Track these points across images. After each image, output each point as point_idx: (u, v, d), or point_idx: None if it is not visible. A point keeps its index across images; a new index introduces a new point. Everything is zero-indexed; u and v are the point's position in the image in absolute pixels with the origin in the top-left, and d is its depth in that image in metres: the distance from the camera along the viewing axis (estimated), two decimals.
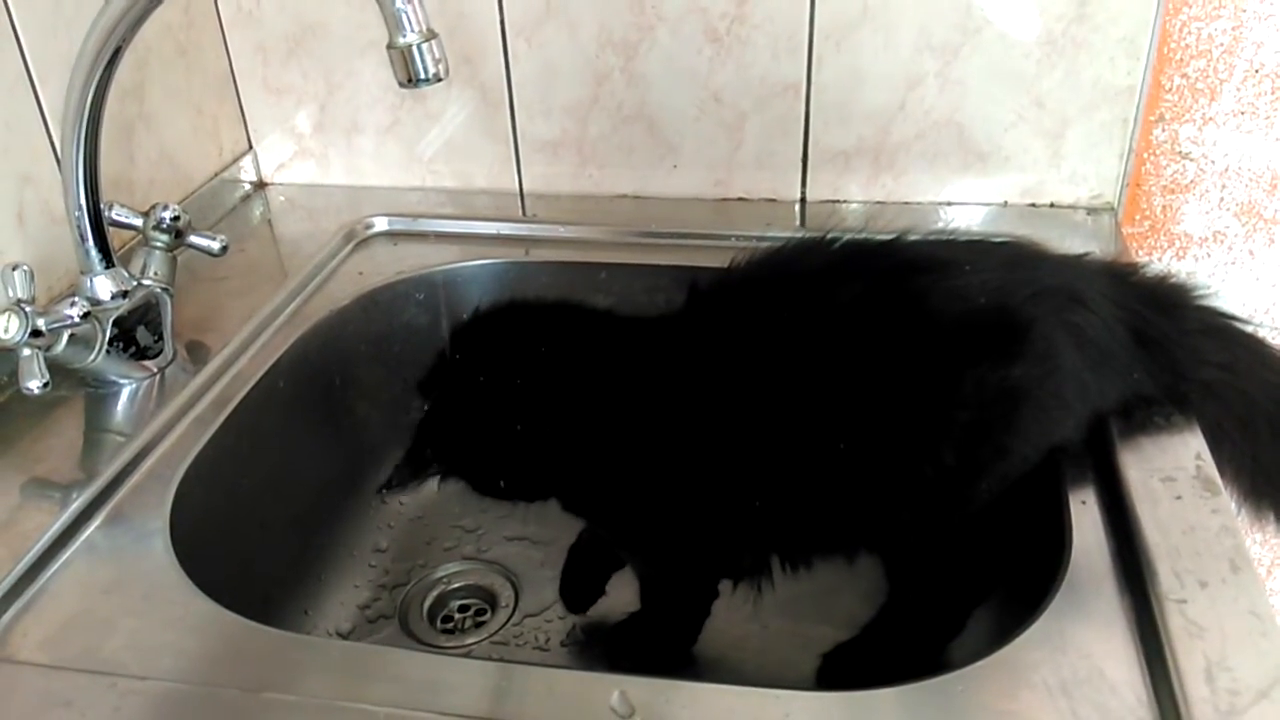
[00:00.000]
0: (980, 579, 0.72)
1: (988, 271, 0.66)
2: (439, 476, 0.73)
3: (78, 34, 0.73)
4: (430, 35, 0.65)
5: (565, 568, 0.86)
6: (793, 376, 0.64)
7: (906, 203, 1.05)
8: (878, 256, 0.68)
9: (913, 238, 0.70)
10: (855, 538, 0.70)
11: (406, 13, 0.64)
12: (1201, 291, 0.73)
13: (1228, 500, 0.64)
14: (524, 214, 1.09)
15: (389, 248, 1.05)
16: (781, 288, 0.68)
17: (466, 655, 0.86)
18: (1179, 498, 0.65)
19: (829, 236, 0.69)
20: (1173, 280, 0.74)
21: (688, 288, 0.71)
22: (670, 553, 0.74)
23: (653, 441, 0.67)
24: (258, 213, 1.12)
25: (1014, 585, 0.69)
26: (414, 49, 0.64)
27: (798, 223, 1.05)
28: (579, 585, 0.86)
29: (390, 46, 0.65)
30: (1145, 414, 0.71)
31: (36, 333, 0.73)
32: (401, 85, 0.66)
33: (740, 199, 1.08)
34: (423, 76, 0.65)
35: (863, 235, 0.70)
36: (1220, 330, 0.72)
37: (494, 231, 1.06)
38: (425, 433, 0.72)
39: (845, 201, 1.06)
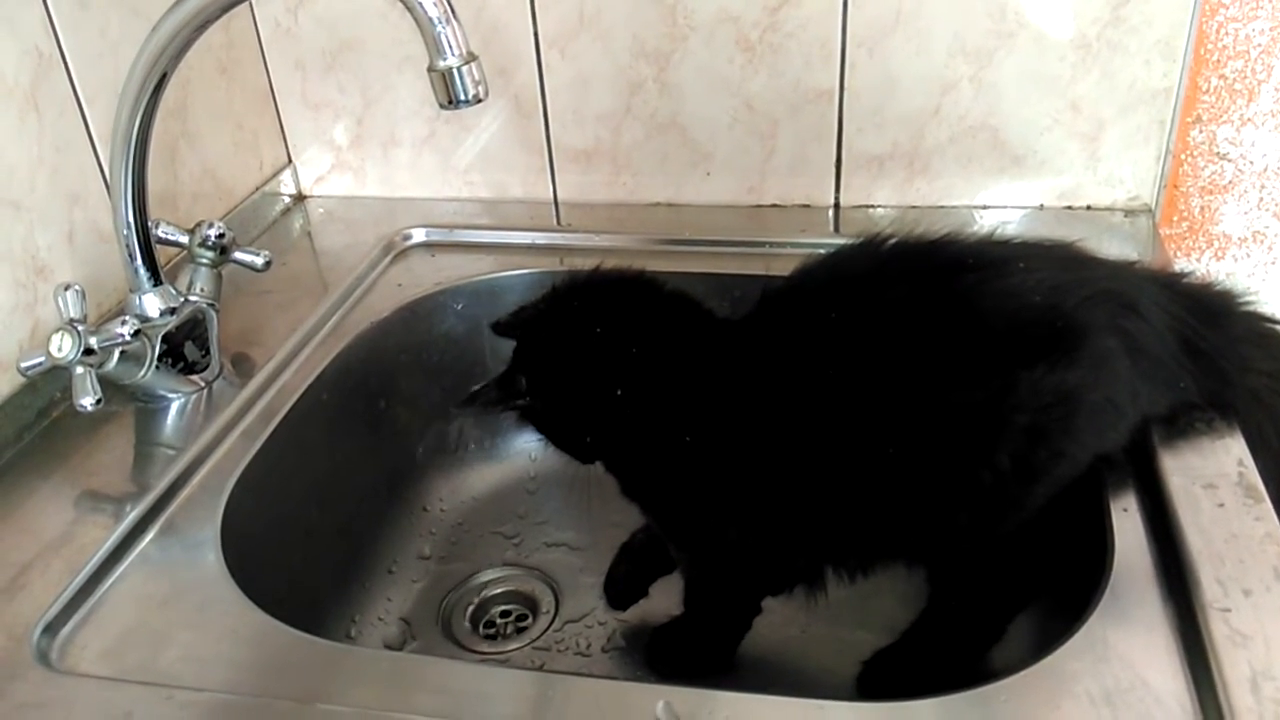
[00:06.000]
0: (1022, 586, 0.72)
1: (1041, 271, 0.65)
2: (519, 411, 0.73)
3: (123, 58, 0.75)
4: (470, 58, 0.66)
5: (613, 564, 0.87)
6: (848, 380, 0.64)
7: (941, 206, 1.05)
8: (925, 256, 0.68)
9: (962, 236, 0.70)
10: (911, 544, 0.70)
11: (447, 35, 0.65)
12: (1247, 298, 0.73)
13: (1270, 507, 0.64)
14: (559, 223, 1.10)
15: (427, 259, 1.07)
16: (835, 292, 0.68)
17: (508, 661, 0.87)
18: (1221, 505, 0.64)
19: (881, 237, 0.69)
20: (1219, 288, 0.74)
21: (760, 293, 0.72)
22: (722, 554, 0.74)
23: (717, 440, 0.68)
24: (298, 225, 1.14)
25: (1056, 592, 0.69)
26: (454, 71, 0.65)
27: (832, 228, 1.05)
28: (624, 583, 0.87)
29: (431, 69, 0.66)
30: (1188, 420, 0.70)
31: (89, 351, 0.75)
32: (442, 107, 0.67)
33: (774, 205, 1.09)
34: (463, 98, 0.66)
35: (915, 235, 0.70)
36: (1267, 337, 0.72)
37: (529, 241, 1.07)
38: (523, 364, 0.73)
39: (880, 206, 1.06)
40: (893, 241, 0.69)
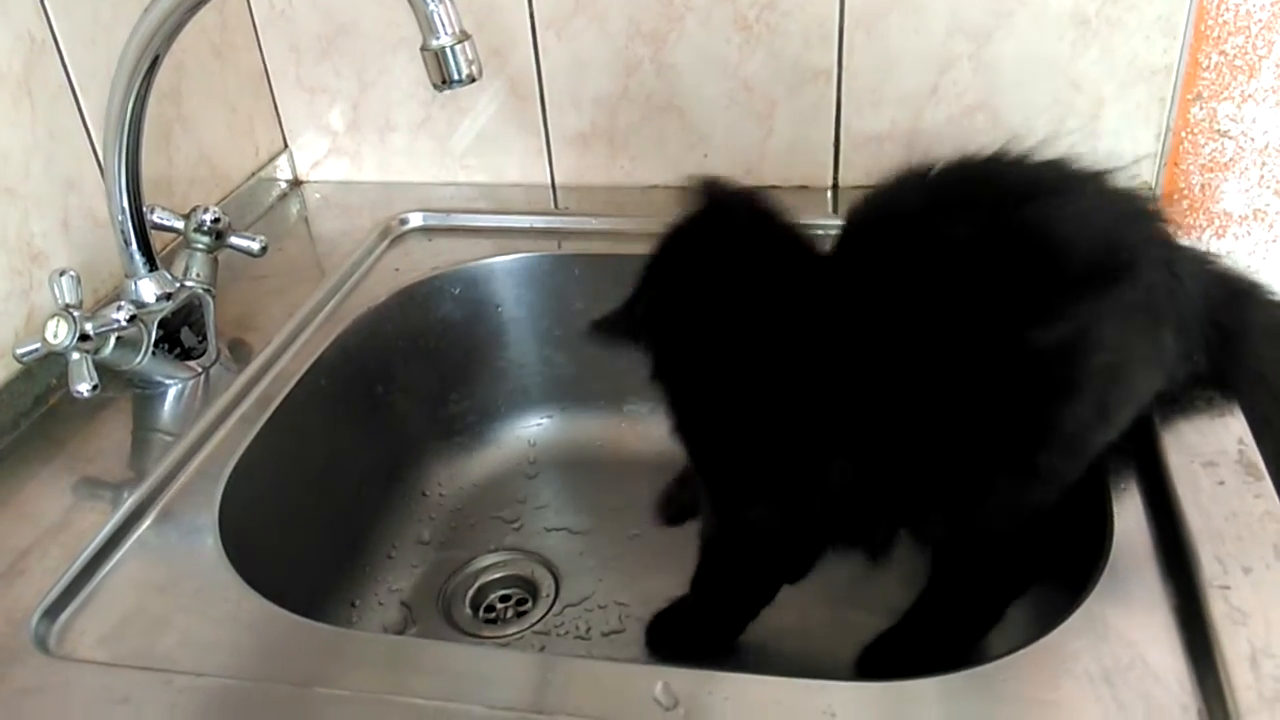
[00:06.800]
0: (1024, 567, 0.71)
1: (1101, 196, 0.64)
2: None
3: (116, 42, 0.75)
4: (463, 37, 0.65)
5: (667, 485, 0.86)
6: (927, 327, 0.61)
7: None
8: (985, 183, 0.65)
9: (1011, 158, 0.66)
10: (973, 502, 0.66)
11: (439, 14, 0.64)
12: (1271, 292, 0.72)
13: (1270, 485, 0.64)
14: (556, 206, 1.10)
15: (424, 243, 1.06)
16: (890, 235, 0.65)
17: (509, 645, 0.87)
18: (1221, 482, 0.64)
19: (921, 169, 0.66)
20: (1245, 275, 0.72)
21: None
22: (766, 512, 0.70)
23: (774, 394, 0.65)
24: (294, 210, 1.14)
25: (1055, 572, 0.69)
26: (447, 51, 0.65)
27: (830, 209, 1.05)
28: (677, 502, 0.86)
29: (424, 49, 0.66)
30: (1188, 397, 0.70)
31: (85, 337, 0.75)
32: (436, 87, 0.66)
33: (772, 186, 1.08)
34: (456, 78, 0.65)
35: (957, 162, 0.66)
36: None
37: (527, 225, 1.07)
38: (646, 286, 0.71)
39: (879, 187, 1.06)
40: (939, 170, 0.66)
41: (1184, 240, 0.74)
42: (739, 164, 1.07)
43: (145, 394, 0.84)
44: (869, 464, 0.64)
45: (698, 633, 0.80)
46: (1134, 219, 0.64)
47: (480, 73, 0.67)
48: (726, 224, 0.70)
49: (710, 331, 0.67)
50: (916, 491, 0.65)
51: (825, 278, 0.66)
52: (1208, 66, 0.96)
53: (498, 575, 0.94)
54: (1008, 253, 0.60)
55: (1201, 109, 0.98)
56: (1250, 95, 0.97)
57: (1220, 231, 1.04)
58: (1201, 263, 0.70)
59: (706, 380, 0.68)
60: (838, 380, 0.63)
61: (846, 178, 1.06)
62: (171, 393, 0.84)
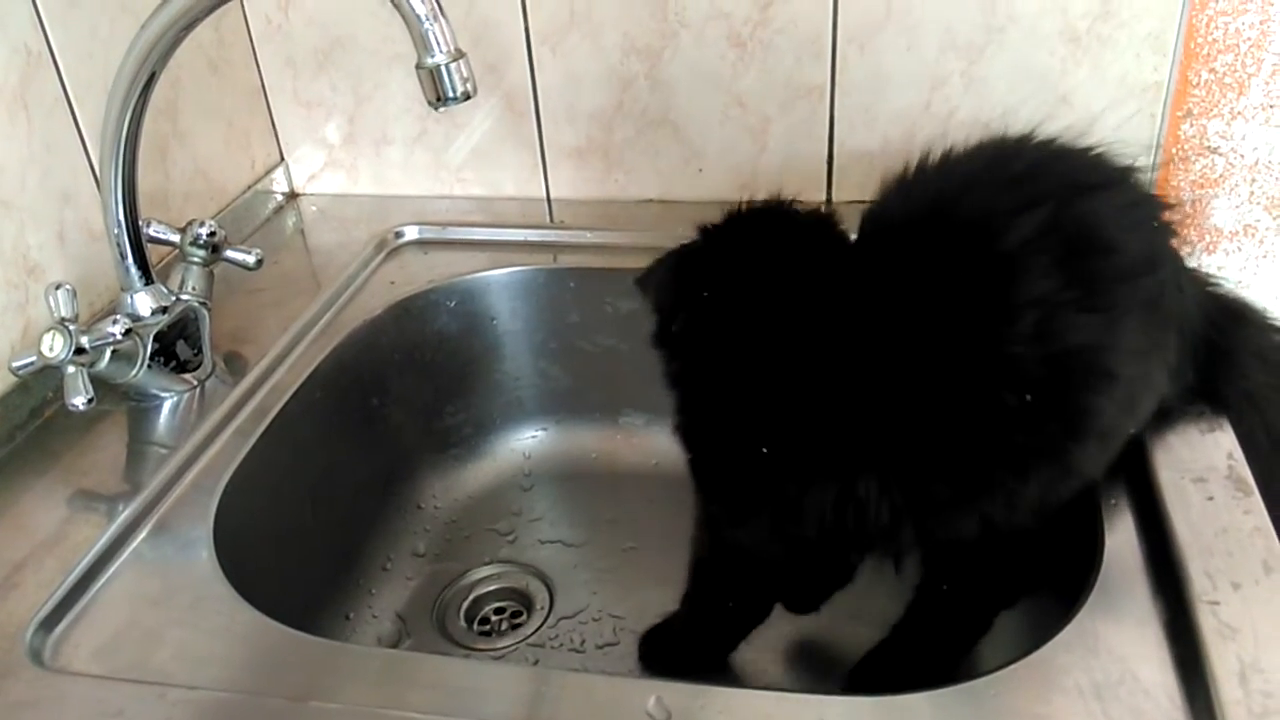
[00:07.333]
0: (1012, 577, 0.72)
1: (1136, 191, 0.65)
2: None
3: (113, 56, 0.75)
4: (458, 55, 0.66)
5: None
6: (948, 325, 0.60)
7: None
8: (1022, 178, 0.63)
9: (1044, 147, 0.66)
10: (1006, 501, 0.63)
11: (434, 33, 0.65)
12: (1266, 318, 0.72)
13: (1259, 500, 0.64)
14: (551, 220, 1.10)
15: (419, 256, 1.07)
16: (934, 236, 0.63)
17: (503, 658, 0.87)
18: (1211, 498, 0.65)
19: (950, 155, 0.67)
20: (1239, 299, 0.73)
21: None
22: (770, 520, 0.68)
23: (802, 400, 0.63)
24: (290, 223, 1.14)
25: (1046, 586, 0.70)
26: (442, 69, 0.65)
27: None
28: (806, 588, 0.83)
29: (419, 67, 0.66)
30: (1179, 410, 0.70)
31: (80, 350, 0.75)
32: (431, 105, 0.67)
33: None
34: (451, 96, 0.66)
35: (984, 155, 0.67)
36: (1272, 350, 0.71)
37: (522, 238, 1.07)
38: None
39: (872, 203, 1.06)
40: (962, 161, 0.66)
41: (1190, 259, 0.75)
42: (733, 179, 1.08)
43: (141, 407, 0.84)
44: (904, 466, 0.62)
45: (690, 650, 0.80)
46: (1159, 227, 0.65)
47: (475, 90, 0.67)
48: (775, 223, 0.71)
49: (742, 332, 0.66)
50: (949, 494, 0.63)
51: (860, 280, 0.65)
52: (1197, 84, 0.97)
53: (492, 588, 0.94)
54: (1057, 251, 0.59)
55: (1192, 126, 0.99)
56: (1240, 112, 0.97)
57: (1211, 247, 1.05)
58: (1203, 283, 0.71)
59: (730, 382, 0.66)
60: (875, 383, 0.61)
61: (840, 194, 1.07)
62: (167, 406, 0.84)
